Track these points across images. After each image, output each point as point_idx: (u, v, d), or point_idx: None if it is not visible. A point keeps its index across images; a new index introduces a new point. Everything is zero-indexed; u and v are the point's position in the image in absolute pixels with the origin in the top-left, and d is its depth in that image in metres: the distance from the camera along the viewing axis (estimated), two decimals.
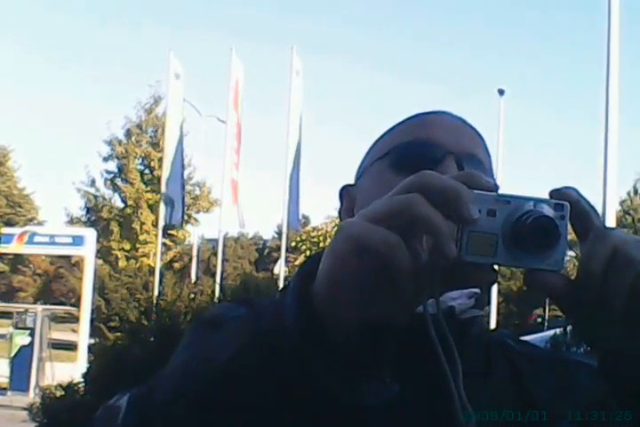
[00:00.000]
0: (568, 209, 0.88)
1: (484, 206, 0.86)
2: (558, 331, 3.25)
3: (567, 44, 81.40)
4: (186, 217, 36.54)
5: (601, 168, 11.64)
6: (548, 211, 0.87)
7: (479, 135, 1.29)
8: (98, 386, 3.39)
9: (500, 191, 0.90)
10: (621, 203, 41.05)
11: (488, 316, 26.07)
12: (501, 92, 26.42)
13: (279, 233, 36.03)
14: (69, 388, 3.64)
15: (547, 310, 39.52)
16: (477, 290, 1.18)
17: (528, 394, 1.16)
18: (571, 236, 0.93)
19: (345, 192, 1.28)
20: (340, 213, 1.28)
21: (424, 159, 1.16)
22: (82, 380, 3.60)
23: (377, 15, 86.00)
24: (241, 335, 0.91)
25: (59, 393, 3.68)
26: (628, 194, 44.09)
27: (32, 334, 18.19)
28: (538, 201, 0.88)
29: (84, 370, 3.53)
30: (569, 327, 3.31)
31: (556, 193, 0.90)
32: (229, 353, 0.89)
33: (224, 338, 0.93)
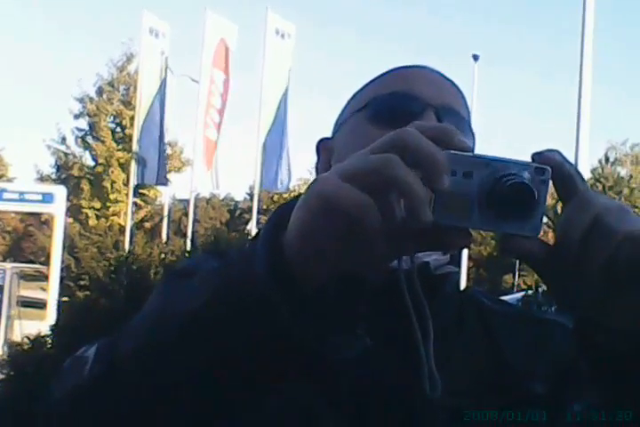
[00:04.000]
0: (549, 174, 0.86)
1: (459, 168, 0.83)
2: (530, 291, 3.26)
3: (541, 6, 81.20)
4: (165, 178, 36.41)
5: (573, 137, 11.70)
6: (527, 175, 0.84)
7: (459, 90, 1.28)
8: (65, 339, 3.36)
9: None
10: (593, 171, 41.35)
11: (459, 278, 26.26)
12: (475, 57, 26.34)
13: (251, 195, 35.93)
14: (37, 341, 3.61)
15: (516, 276, 39.88)
16: None
17: (499, 351, 1.16)
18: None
19: (322, 145, 1.25)
20: (316, 167, 1.25)
21: (403, 112, 1.14)
22: (50, 333, 3.57)
23: None
24: (211, 284, 0.88)
25: (26, 346, 3.65)
26: (600, 162, 44.43)
27: (0, 292, 18.08)
28: (517, 164, 0.85)
29: (53, 323, 3.50)
30: (540, 288, 3.31)
31: (537, 156, 0.87)
32: (199, 302, 0.87)
33: (194, 287, 0.91)
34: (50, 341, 3.57)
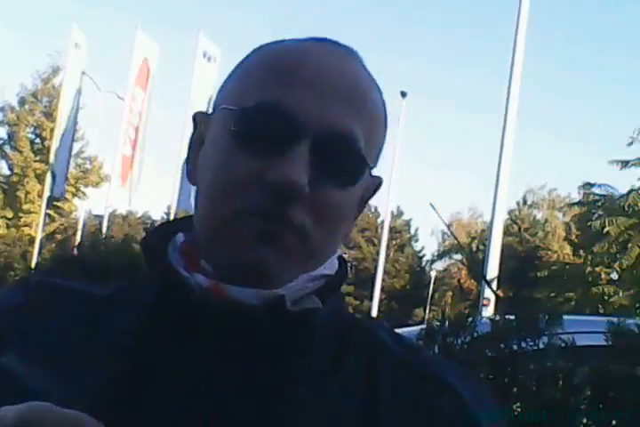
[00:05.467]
0: None
1: None
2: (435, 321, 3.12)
3: (472, 42, 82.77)
4: (74, 190, 35.94)
5: (493, 178, 11.83)
6: None
7: (366, 87, 0.97)
8: None
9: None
10: (510, 212, 42.08)
11: (369, 312, 26.29)
12: (404, 94, 26.58)
13: (168, 214, 35.49)
14: None
15: (427, 310, 40.24)
16: (330, 271, 0.98)
17: (375, 413, 0.93)
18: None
19: (199, 120, 1.03)
20: (191, 140, 1.03)
21: (270, 138, 0.90)
22: None
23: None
24: None
25: None
26: (517, 204, 45.34)
27: None
28: None
29: None
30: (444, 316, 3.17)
31: None
32: None
33: None
34: None
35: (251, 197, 0.89)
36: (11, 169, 36.72)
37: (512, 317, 2.88)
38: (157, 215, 50.27)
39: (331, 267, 0.98)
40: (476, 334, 2.85)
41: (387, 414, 0.92)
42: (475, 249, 40.88)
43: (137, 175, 20.01)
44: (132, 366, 0.90)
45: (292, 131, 0.90)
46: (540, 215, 46.04)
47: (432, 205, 4.77)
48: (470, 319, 2.91)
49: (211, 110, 1.02)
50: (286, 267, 0.91)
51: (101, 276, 2.82)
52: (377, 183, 1.02)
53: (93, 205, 39.56)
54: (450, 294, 46.05)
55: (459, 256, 46.66)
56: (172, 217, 19.67)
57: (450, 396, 0.94)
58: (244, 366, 0.90)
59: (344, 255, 1.04)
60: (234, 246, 0.90)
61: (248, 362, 0.90)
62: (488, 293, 11.10)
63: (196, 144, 1.02)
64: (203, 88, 18.34)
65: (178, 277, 0.92)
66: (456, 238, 39.68)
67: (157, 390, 0.89)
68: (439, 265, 48.73)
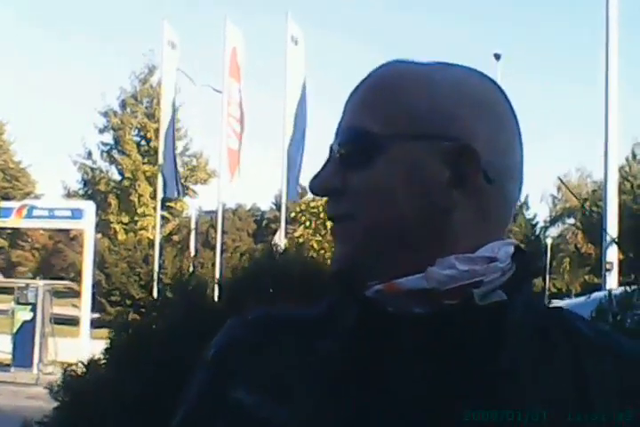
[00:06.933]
0: None
1: None
2: (603, 295, 2.99)
3: (565, 8, 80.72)
4: (184, 189, 36.51)
5: (602, 136, 11.48)
6: None
7: (392, 82, 1.03)
8: (122, 361, 3.21)
9: None
10: (620, 169, 40.82)
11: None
12: (497, 56, 26.16)
13: (277, 204, 35.79)
14: (91, 364, 3.47)
15: (546, 279, 39.63)
16: (503, 260, 0.99)
17: (589, 402, 0.94)
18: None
19: None
20: None
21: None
22: (104, 355, 3.42)
23: None
24: None
25: (80, 370, 3.50)
26: (627, 160, 44.02)
27: (34, 310, 18.04)
28: None
29: (107, 346, 3.35)
30: (615, 290, 3.03)
31: None
32: None
33: None
34: (104, 363, 3.43)
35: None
36: (121, 174, 37.45)
37: None
38: (266, 206, 50.83)
39: (499, 254, 0.98)
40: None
41: (600, 402, 0.94)
42: (588, 212, 39.95)
43: (243, 167, 20.14)
44: (347, 388, 0.95)
45: (333, 141, 1.05)
46: None
47: (560, 179, 4.61)
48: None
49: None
50: (352, 255, 1.01)
51: (303, 288, 2.83)
52: (459, 150, 0.99)
53: (203, 201, 40.25)
54: (567, 260, 45.15)
55: (572, 220, 45.71)
56: (283, 208, 19.80)
57: None
58: (454, 370, 0.93)
59: (518, 245, 1.03)
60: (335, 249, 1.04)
61: (457, 364, 0.94)
62: (610, 256, 10.77)
63: None
64: (295, 72, 18.33)
65: (368, 298, 0.98)
66: (575, 195, 38.70)
67: (383, 406, 0.93)
68: (553, 231, 47.85)
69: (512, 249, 1.01)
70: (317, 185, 1.04)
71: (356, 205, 1.00)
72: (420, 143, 0.99)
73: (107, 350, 3.38)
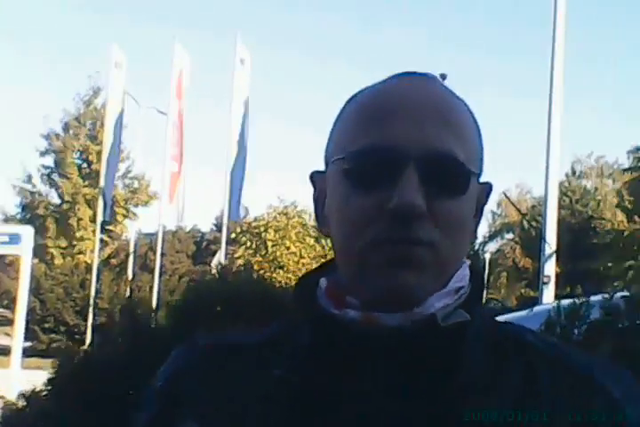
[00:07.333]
0: None
1: None
2: (552, 307, 2.98)
3: (508, 21, 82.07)
4: (124, 211, 36.17)
5: (542, 152, 11.63)
6: None
7: (452, 103, 1.06)
8: (65, 393, 3.09)
9: None
10: (559, 184, 41.44)
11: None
12: (443, 76, 26.43)
13: (217, 225, 35.57)
14: (32, 397, 3.33)
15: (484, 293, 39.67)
16: (463, 283, 1.05)
17: (542, 412, 0.98)
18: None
19: (316, 179, 1.14)
20: (314, 199, 1.14)
21: (380, 174, 1.00)
22: (46, 386, 3.29)
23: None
24: None
25: (20, 404, 3.36)
26: (566, 175, 44.71)
27: None
28: None
29: (51, 375, 3.22)
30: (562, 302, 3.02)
31: None
32: None
33: None
34: (46, 396, 3.29)
35: (378, 227, 0.98)
36: (61, 197, 36.98)
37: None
38: (206, 227, 50.53)
39: (462, 279, 1.04)
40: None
41: (552, 412, 0.97)
42: (527, 226, 40.48)
43: (183, 190, 20.07)
44: (305, 408, 0.97)
45: (396, 159, 0.99)
46: (589, 185, 45.41)
47: (505, 194, 4.68)
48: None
49: (323, 166, 1.11)
50: (423, 284, 0.99)
51: (261, 310, 2.77)
52: (487, 188, 1.11)
53: (142, 224, 39.79)
54: (505, 275, 45.63)
55: (511, 235, 46.24)
56: (224, 228, 19.69)
57: (601, 397, 0.99)
58: (414, 389, 0.96)
59: (468, 263, 1.09)
60: (375, 275, 0.98)
61: (417, 383, 0.96)
62: (547, 269, 10.97)
63: (319, 199, 1.12)
64: (240, 92, 18.39)
65: (332, 317, 1.00)
66: (518, 209, 39.18)
67: (340, 424, 0.96)
68: (492, 247, 48.32)
69: (468, 271, 1.06)
70: (411, 201, 0.97)
71: (443, 234, 1.00)
72: (476, 180, 1.06)
73: (49, 380, 3.25)
